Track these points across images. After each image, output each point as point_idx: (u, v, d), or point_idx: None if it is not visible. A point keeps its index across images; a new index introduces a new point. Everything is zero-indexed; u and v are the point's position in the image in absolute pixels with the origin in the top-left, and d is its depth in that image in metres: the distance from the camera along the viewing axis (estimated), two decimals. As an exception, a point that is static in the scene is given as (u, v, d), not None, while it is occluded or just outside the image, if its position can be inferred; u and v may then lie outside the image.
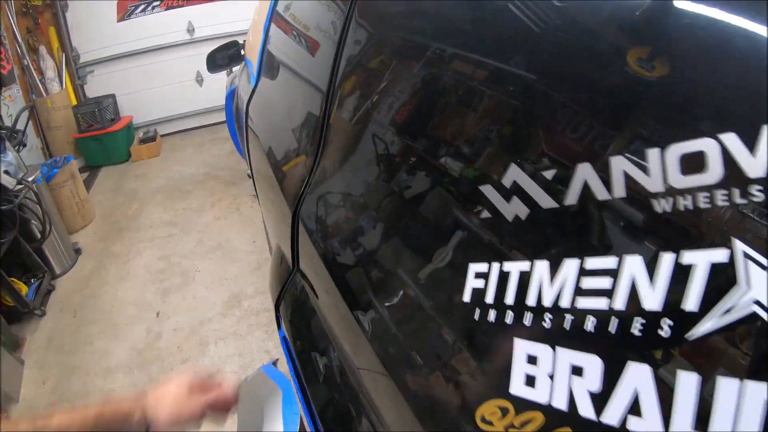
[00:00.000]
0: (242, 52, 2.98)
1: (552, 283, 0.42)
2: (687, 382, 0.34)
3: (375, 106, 0.74)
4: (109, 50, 5.04)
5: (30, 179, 3.13)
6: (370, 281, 0.72)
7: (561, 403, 0.41)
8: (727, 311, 0.33)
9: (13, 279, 2.90)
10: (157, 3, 5.24)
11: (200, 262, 3.44)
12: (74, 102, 4.81)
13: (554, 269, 0.42)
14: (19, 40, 4.13)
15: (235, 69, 3.19)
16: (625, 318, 0.37)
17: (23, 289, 2.96)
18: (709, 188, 0.33)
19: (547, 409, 0.42)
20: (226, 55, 3.20)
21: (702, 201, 0.34)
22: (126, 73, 5.20)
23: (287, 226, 1.02)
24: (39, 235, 3.21)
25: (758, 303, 0.31)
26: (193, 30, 5.45)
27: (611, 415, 0.37)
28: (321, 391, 0.83)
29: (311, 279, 0.95)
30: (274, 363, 2.50)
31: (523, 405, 0.44)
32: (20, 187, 3.05)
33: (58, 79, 4.56)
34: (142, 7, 5.15)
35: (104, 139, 4.77)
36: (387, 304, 0.65)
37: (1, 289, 2.81)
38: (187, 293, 3.15)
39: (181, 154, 5.13)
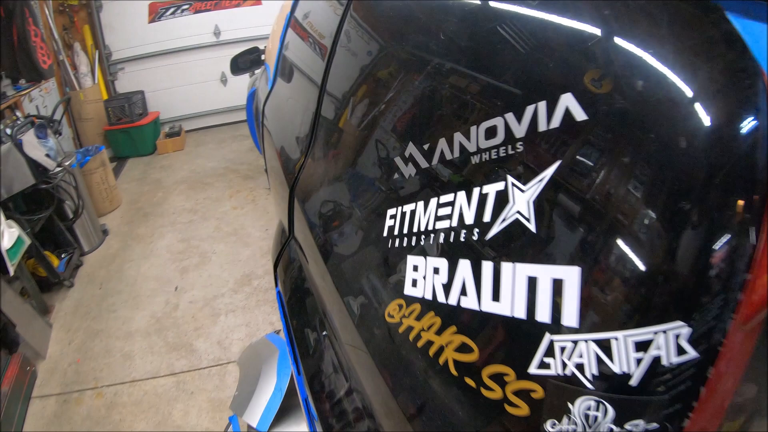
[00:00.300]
0: (262, 57, 3.22)
1: (424, 214, 0.69)
2: (487, 268, 0.58)
3: (352, 109, 1.02)
4: (139, 49, 5.37)
5: (67, 163, 3.42)
6: (336, 239, 1.00)
7: (428, 295, 0.65)
8: (504, 219, 0.57)
9: (46, 252, 3.17)
10: (186, 6, 5.56)
11: (217, 245, 3.67)
12: (105, 96, 5.13)
13: (426, 206, 0.69)
14: (56, 36, 4.46)
15: (257, 72, 3.43)
16: (457, 231, 0.63)
17: (55, 261, 3.22)
18: (497, 146, 0.58)
19: (422, 301, 0.66)
20: (247, 60, 3.45)
21: (494, 154, 0.59)
22: (155, 71, 5.53)
23: (286, 201, 1.29)
24: (71, 215, 3.49)
25: (519, 212, 0.55)
26: (219, 33, 5.75)
27: (452, 298, 0.61)
28: (305, 334, 1.11)
29: (302, 244, 1.20)
30: (277, 332, 2.71)
31: (410, 300, 0.68)
32: (59, 169, 3.34)
33: (90, 75, 4.89)
34: (172, 10, 5.47)
35: (132, 132, 5.08)
36: (348, 254, 0.93)
37: (36, 260, 3.08)
38: (204, 272, 3.38)
39: (203, 149, 5.41)
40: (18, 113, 3.69)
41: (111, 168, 4.31)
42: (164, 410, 2.39)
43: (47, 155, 3.26)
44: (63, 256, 3.36)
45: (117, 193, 4.28)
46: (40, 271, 3.14)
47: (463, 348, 0.59)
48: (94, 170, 3.98)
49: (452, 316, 0.61)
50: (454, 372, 0.60)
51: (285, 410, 1.88)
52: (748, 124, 0.42)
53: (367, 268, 0.84)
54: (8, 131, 3.13)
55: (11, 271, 2.62)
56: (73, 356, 2.73)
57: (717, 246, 0.44)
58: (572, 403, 0.50)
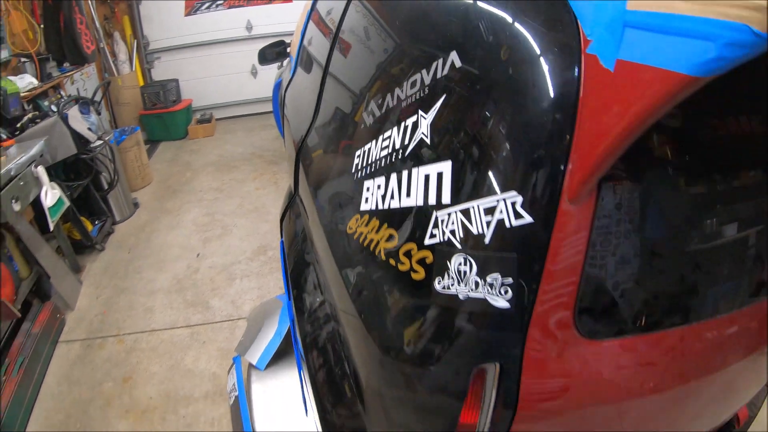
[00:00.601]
0: (288, 50, 3.40)
1: (374, 148, 0.93)
2: (405, 176, 0.82)
3: (340, 87, 1.34)
4: (175, 40, 5.69)
5: (107, 138, 3.69)
6: (324, 185, 1.25)
7: (373, 206, 0.89)
8: (414, 139, 0.82)
9: (82, 218, 3.42)
10: (221, 2, 5.85)
11: (239, 220, 3.87)
12: (141, 83, 5.46)
13: (376, 142, 0.93)
14: (97, 25, 4.78)
15: (284, 63, 3.62)
16: (390, 154, 0.87)
17: (89, 226, 3.48)
18: (415, 92, 0.84)
19: (369, 212, 0.89)
20: (274, 52, 3.63)
21: (413, 98, 0.84)
22: (189, 61, 5.83)
23: (293, 163, 1.53)
24: (107, 186, 3.74)
25: (423, 133, 0.80)
26: (252, 28, 6.01)
27: (386, 203, 0.85)
28: (298, 270, 1.40)
29: (303, 199, 1.44)
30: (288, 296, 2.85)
31: (363, 213, 0.92)
32: (99, 143, 3.60)
33: (128, 62, 5.21)
34: (207, 4, 5.77)
35: (166, 117, 5.38)
36: (330, 193, 1.19)
37: (72, 224, 3.33)
38: (224, 242, 3.57)
39: (232, 136, 5.66)
40: (62, 92, 4.00)
41: (144, 148, 4.58)
42: (178, 356, 2.56)
43: (89, 129, 3.53)
44: (96, 222, 3.61)
45: (149, 172, 4.55)
46: (75, 234, 3.38)
47: (389, 238, 0.82)
48: (129, 148, 4.25)
49: (385, 216, 0.84)
50: (383, 258, 0.82)
51: (282, 354, 2.04)
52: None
53: (339, 199, 1.11)
54: (53, 108, 3.42)
55: (51, 227, 2.86)
56: (99, 309, 2.95)
57: (538, 136, 0.63)
58: (450, 261, 0.68)
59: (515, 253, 0.63)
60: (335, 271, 1.04)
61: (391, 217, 0.82)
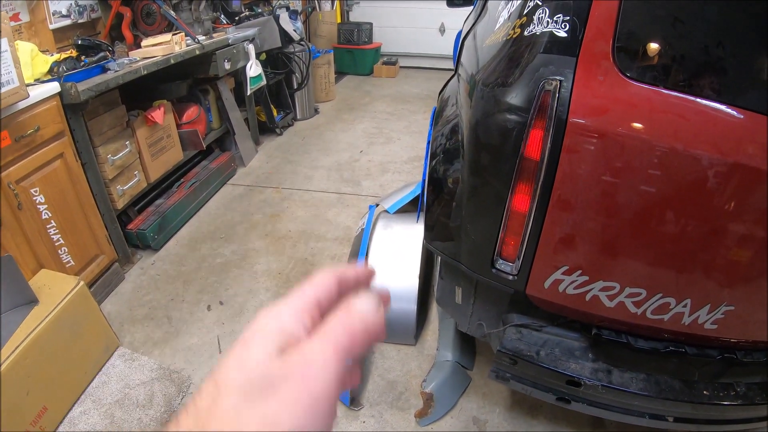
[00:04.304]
0: None
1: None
2: None
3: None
4: (377, -12, 6.04)
5: (308, 44, 4.04)
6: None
7: (502, 21, 1.19)
8: None
9: (271, 105, 3.78)
10: (426, -42, 6.02)
11: (403, 136, 3.90)
12: (339, 21, 5.91)
13: None
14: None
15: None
16: None
17: (274, 113, 3.82)
18: None
19: (501, 23, 1.23)
20: None
21: None
22: (385, 10, 6.11)
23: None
24: (296, 86, 4.09)
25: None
26: (448, -12, 6.06)
27: (508, 11, 1.20)
28: (441, 131, 1.48)
29: (459, 75, 1.60)
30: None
31: (498, 28, 1.24)
32: (299, 47, 3.96)
33: (331, 2, 5.69)
34: (413, -41, 5.99)
35: (356, 53, 5.72)
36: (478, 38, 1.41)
37: (261, 107, 3.70)
38: (386, 147, 3.63)
39: (412, 80, 5.79)
40: (272, 4, 4.48)
41: (333, 68, 4.92)
42: (322, 209, 2.65)
43: (294, 30, 3.90)
44: (281, 113, 3.96)
45: (333, 90, 4.87)
46: (262, 116, 3.76)
47: (506, 28, 1.14)
48: (321, 65, 4.59)
49: (507, 18, 1.17)
50: (500, 40, 1.15)
51: (408, 211, 2.14)
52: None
53: (482, 33, 1.40)
54: (265, 14, 3.85)
55: (248, 91, 3.22)
56: (266, 169, 3.22)
57: None
58: (534, 15, 0.99)
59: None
60: (470, 72, 1.31)
61: (509, 17, 1.13)
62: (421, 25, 6.23)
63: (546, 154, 0.92)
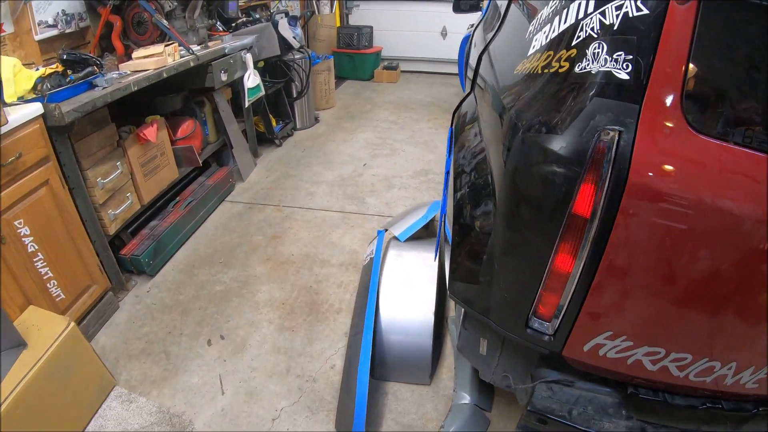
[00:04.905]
0: (481, 4, 3.27)
1: (546, 10, 1.12)
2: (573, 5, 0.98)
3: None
4: (377, -9, 5.89)
5: (307, 51, 3.89)
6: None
7: (538, 46, 1.06)
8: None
9: (270, 115, 3.63)
10: (426, -40, 5.87)
11: (407, 146, 3.77)
12: (338, 25, 5.76)
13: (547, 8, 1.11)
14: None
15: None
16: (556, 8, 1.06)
17: (273, 123, 3.68)
18: None
19: (535, 51, 1.08)
20: (468, 3, 3.47)
21: None
22: (385, 13, 5.97)
23: (473, 68, 1.62)
24: (295, 94, 3.95)
25: None
26: (451, -11, 5.92)
27: (548, 37, 1.04)
28: (461, 153, 1.38)
29: (477, 97, 1.51)
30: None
31: (531, 56, 1.09)
32: (299, 55, 3.82)
33: (329, 5, 5.54)
34: (413, -40, 5.85)
35: (356, 58, 5.58)
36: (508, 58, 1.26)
37: (260, 117, 3.55)
38: (391, 160, 3.49)
39: (414, 85, 5.66)
40: (270, 10, 4.33)
41: (334, 74, 4.78)
42: (326, 230, 2.51)
43: (294, 38, 3.75)
44: (280, 123, 3.81)
45: (333, 97, 4.74)
46: (260, 127, 3.62)
47: (547, 57, 0.98)
48: (321, 71, 4.45)
49: (546, 47, 1.01)
50: (539, 71, 0.99)
51: (420, 238, 2.05)
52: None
53: (511, 57, 1.24)
54: (263, 20, 3.70)
55: (246, 103, 3.08)
56: (266, 185, 3.08)
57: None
58: (587, 49, 0.85)
59: (635, 36, 0.78)
60: (498, 102, 1.14)
61: (549, 44, 0.99)
62: (422, 28, 6.11)
63: (599, 213, 0.80)
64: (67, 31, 2.36)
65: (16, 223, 1.61)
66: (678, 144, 0.75)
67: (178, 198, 2.65)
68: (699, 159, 0.75)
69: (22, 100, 1.74)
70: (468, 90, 1.75)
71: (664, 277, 0.83)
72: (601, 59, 0.81)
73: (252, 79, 3.09)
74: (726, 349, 0.91)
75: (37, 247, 1.69)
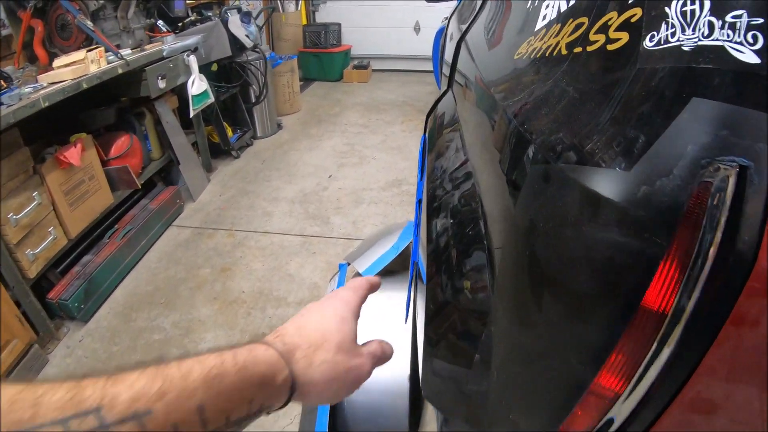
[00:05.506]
0: None
1: None
2: None
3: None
4: (343, -14, 5.56)
5: (263, 47, 3.56)
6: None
7: (553, 15, 0.67)
8: None
9: (225, 123, 3.30)
10: (394, -48, 5.57)
11: (378, 153, 3.48)
12: (304, 23, 5.41)
13: None
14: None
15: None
16: None
17: (229, 133, 3.34)
18: None
19: (550, 22, 0.69)
20: None
21: None
22: (354, 9, 5.65)
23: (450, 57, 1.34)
24: (254, 99, 3.61)
25: None
26: (422, -18, 5.64)
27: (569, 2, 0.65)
28: (437, 163, 1.10)
29: (456, 95, 1.23)
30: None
31: (540, 30, 0.71)
32: (255, 55, 3.48)
33: (295, 2, 5.19)
34: (381, -47, 5.54)
35: (323, 58, 5.26)
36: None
37: (213, 127, 3.22)
38: (359, 170, 3.20)
39: (386, 85, 5.37)
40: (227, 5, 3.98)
41: (298, 76, 4.46)
42: (283, 260, 2.21)
43: (246, 36, 3.41)
44: (237, 131, 3.48)
45: (298, 100, 4.41)
46: (214, 137, 3.28)
47: (575, 28, 0.54)
48: (283, 73, 4.12)
49: (568, 14, 0.60)
50: (563, 53, 0.56)
51: (392, 273, 1.75)
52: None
53: (510, 31, 0.84)
54: (215, 18, 3.36)
55: (191, 113, 2.73)
56: (219, 204, 2.75)
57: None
58: (669, 6, 0.37)
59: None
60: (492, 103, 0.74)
61: (577, 6, 0.56)
62: (394, 24, 5.82)
63: (689, 310, 0.28)
64: (-10, 40, 2.03)
65: None
66: None
67: (116, 226, 2.31)
68: None
69: None
70: (444, 88, 1.44)
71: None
72: (701, 24, 0.40)
73: (197, 85, 2.74)
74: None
75: None
